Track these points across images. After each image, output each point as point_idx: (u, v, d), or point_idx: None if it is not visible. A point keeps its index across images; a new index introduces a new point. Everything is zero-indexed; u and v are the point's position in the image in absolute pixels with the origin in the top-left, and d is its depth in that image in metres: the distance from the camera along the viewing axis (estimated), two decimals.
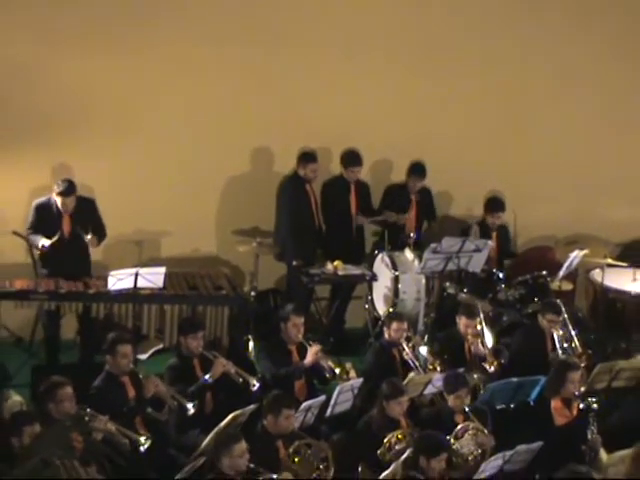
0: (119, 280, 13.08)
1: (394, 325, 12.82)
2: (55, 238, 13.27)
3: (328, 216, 15.33)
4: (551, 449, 11.15)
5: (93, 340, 13.69)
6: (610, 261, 15.35)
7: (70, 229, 13.57)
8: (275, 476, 10.05)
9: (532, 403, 12.27)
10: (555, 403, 11.87)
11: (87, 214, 13.71)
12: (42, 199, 13.53)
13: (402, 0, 15.45)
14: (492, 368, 12.87)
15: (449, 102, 15.81)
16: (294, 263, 14.62)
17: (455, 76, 15.79)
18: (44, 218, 13.50)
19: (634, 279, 15.04)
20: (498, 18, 15.91)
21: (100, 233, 13.78)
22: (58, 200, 13.36)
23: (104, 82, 14.21)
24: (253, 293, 14.74)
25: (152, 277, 13.20)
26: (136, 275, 13.05)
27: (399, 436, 10.96)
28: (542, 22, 16.09)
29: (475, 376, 12.59)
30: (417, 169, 15.32)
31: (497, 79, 15.98)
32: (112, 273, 13.14)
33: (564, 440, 11.52)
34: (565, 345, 13.23)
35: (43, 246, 13.28)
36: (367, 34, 15.24)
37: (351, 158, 15.00)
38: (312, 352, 12.25)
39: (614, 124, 16.37)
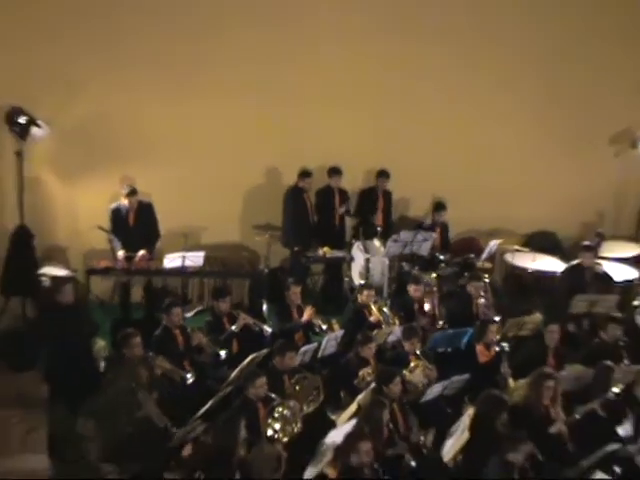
0: (171, 261, 13.61)
1: (365, 292, 13.28)
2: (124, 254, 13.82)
3: (320, 214, 15.57)
4: (476, 379, 11.60)
5: (153, 303, 14.03)
6: (517, 247, 15.79)
7: (135, 223, 14.10)
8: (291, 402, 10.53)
9: (463, 347, 12.66)
10: (479, 347, 12.36)
11: (146, 213, 14.24)
12: (114, 205, 14.01)
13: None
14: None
15: (404, 127, 15.75)
16: (295, 249, 15.02)
17: (410, 105, 15.80)
18: (117, 217, 13.98)
19: (533, 259, 15.43)
20: (452, 46, 15.86)
21: (156, 234, 14.37)
22: (125, 200, 13.91)
23: (161, 121, 14.51)
24: (266, 270, 15.16)
25: (194, 259, 13.76)
26: (183, 257, 13.64)
27: (369, 371, 11.46)
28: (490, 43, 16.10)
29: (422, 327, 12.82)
30: (383, 173, 15.62)
31: (444, 113, 16.02)
32: (167, 256, 13.70)
33: (485, 373, 12.06)
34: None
35: (119, 255, 13.81)
36: (344, 88, 15.35)
37: (334, 171, 15.33)
38: (307, 313, 12.80)
39: (523, 143, 16.61)
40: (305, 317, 12.80)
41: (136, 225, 14.13)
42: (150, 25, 14.21)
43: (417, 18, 15.56)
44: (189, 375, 11.32)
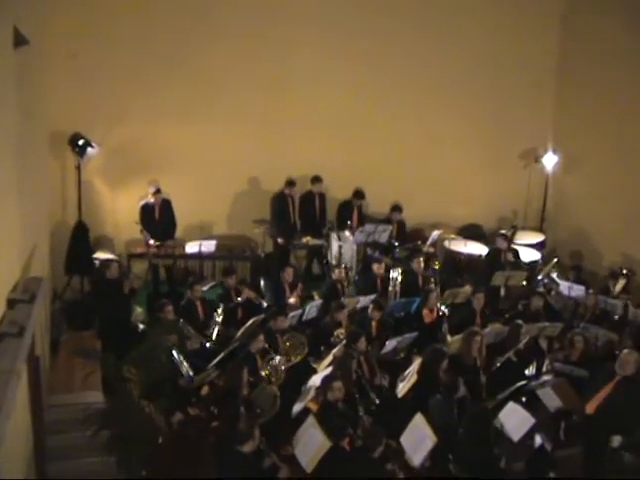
0: (191, 247, 13.78)
1: (337, 271, 13.52)
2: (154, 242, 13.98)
3: (304, 213, 15.58)
4: (422, 336, 11.83)
5: (176, 280, 14.27)
6: (453, 236, 16.07)
7: (160, 217, 14.24)
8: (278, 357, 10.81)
9: (413, 312, 12.85)
10: (425, 311, 12.57)
11: (167, 208, 14.35)
12: (142, 202, 14.20)
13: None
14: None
15: (372, 146, 15.83)
16: (279, 240, 15.12)
17: (375, 127, 15.87)
18: (146, 211, 14.13)
19: (465, 245, 15.60)
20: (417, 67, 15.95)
21: (174, 225, 14.45)
22: (152, 198, 14.07)
23: (181, 140, 14.57)
24: (262, 254, 15.15)
25: (208, 246, 13.90)
26: (200, 245, 13.77)
27: (342, 331, 11.62)
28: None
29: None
30: (359, 194, 15.59)
31: (402, 136, 16.11)
32: (187, 244, 13.86)
33: (429, 331, 12.26)
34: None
35: (149, 242, 13.92)
36: (323, 116, 15.37)
37: (315, 179, 15.35)
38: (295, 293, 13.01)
39: (457, 160, 16.64)
40: (294, 298, 12.93)
41: (161, 218, 14.25)
42: (173, 70, 14.37)
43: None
44: (207, 340, 11.53)
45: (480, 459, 9.11)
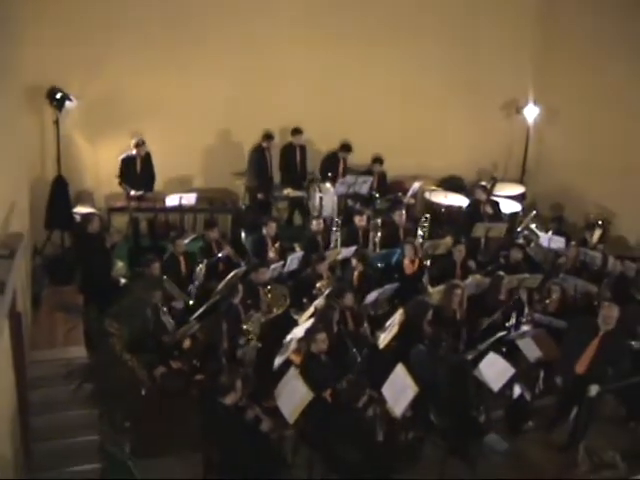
0: (171, 200, 13.58)
1: (315, 222, 13.43)
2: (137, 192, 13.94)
3: (285, 165, 15.49)
4: (403, 288, 11.89)
5: (157, 234, 14.24)
6: (433, 188, 16.14)
7: (141, 170, 14.14)
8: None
9: (393, 263, 12.88)
10: (406, 262, 12.62)
11: (148, 161, 14.21)
12: (124, 155, 14.01)
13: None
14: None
15: (353, 97, 15.65)
16: (259, 196, 15.05)
17: (357, 79, 15.70)
18: (127, 164, 13.98)
19: (445, 197, 15.60)
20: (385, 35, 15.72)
21: (154, 177, 14.34)
22: (134, 150, 13.96)
23: (162, 93, 14.30)
24: (243, 207, 15.15)
25: (189, 198, 13.72)
26: (180, 198, 13.60)
27: (324, 283, 11.65)
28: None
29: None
30: (346, 146, 15.49)
31: (384, 91, 15.96)
32: (168, 197, 13.67)
33: (410, 282, 12.32)
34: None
35: (131, 193, 13.88)
36: (303, 67, 15.20)
37: (295, 131, 15.26)
38: (275, 250, 12.85)
39: (437, 111, 16.56)
40: (271, 253, 12.82)
41: (142, 171, 14.14)
42: (152, 21, 14.10)
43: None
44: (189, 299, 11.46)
45: (459, 409, 9.23)
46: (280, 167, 15.51)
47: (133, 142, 13.98)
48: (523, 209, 15.78)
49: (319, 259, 12.00)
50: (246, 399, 8.65)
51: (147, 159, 14.20)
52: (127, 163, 14.02)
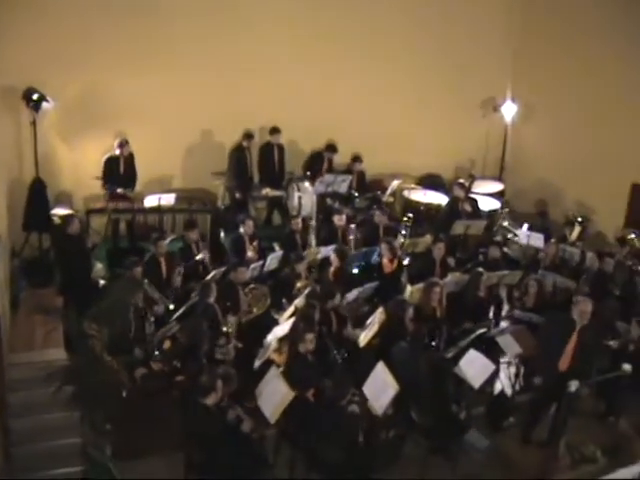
0: (150, 201, 13.49)
1: (294, 221, 13.38)
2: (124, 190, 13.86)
3: (263, 164, 15.44)
4: (382, 287, 11.90)
5: (136, 235, 14.09)
6: (412, 186, 16.18)
7: (125, 169, 14.04)
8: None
9: (373, 262, 12.87)
10: (384, 261, 12.57)
11: (131, 162, 14.13)
12: (108, 155, 13.92)
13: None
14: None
15: (328, 96, 15.64)
16: (237, 195, 15.04)
17: (338, 80, 15.76)
18: (110, 164, 13.88)
19: (424, 195, 15.63)
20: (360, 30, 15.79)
21: (134, 179, 14.22)
22: (117, 150, 13.87)
23: (139, 93, 14.18)
24: (222, 207, 15.13)
25: (168, 199, 13.61)
26: (159, 198, 13.50)
27: (302, 283, 11.62)
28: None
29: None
30: (332, 147, 15.57)
31: (363, 91, 16.04)
32: (146, 197, 13.60)
33: (389, 281, 12.33)
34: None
35: (117, 191, 13.81)
36: (283, 64, 15.19)
37: (274, 130, 15.19)
38: (254, 249, 12.82)
39: (416, 110, 16.60)
40: (253, 252, 12.77)
41: (125, 172, 14.05)
42: (131, 20, 13.98)
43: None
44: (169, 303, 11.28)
45: (440, 407, 9.25)
46: (258, 166, 15.47)
47: (116, 142, 13.91)
48: (502, 206, 15.84)
49: (297, 259, 11.99)
50: (227, 399, 8.63)
51: (130, 159, 14.12)
52: (110, 163, 13.93)
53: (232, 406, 8.67)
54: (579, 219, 14.50)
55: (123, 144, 13.90)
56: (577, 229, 14.37)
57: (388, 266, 12.63)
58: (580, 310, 9.64)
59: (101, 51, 13.89)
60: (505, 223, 14.96)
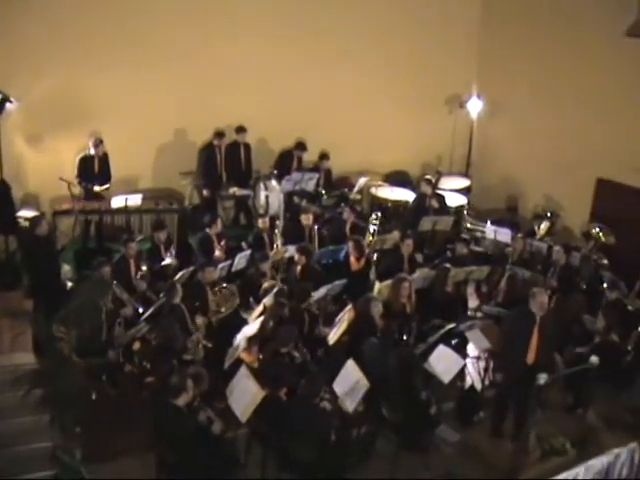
0: (117, 202, 13.39)
1: (261, 220, 13.29)
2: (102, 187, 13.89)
3: (230, 163, 15.34)
4: (351, 284, 11.92)
5: (104, 236, 13.93)
6: (380, 183, 16.20)
7: (100, 168, 13.98)
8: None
9: (341, 259, 12.84)
10: (352, 259, 12.62)
11: (106, 161, 14.08)
12: (82, 154, 13.87)
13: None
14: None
15: (294, 94, 15.52)
16: (205, 192, 15.04)
17: (308, 79, 15.69)
18: (85, 162, 13.83)
19: (391, 191, 15.78)
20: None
21: (109, 178, 14.15)
22: (92, 150, 13.80)
23: (103, 91, 14.11)
24: (190, 207, 15.08)
25: (134, 199, 13.52)
26: (126, 199, 13.40)
27: (269, 283, 11.57)
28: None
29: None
30: (301, 145, 15.60)
31: (332, 92, 16.01)
32: (113, 198, 13.52)
33: (357, 278, 12.37)
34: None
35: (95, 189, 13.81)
36: (250, 70, 15.18)
37: (240, 128, 15.17)
38: (221, 248, 12.80)
39: (383, 106, 16.57)
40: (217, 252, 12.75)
41: (100, 171, 14.00)
42: (97, 19, 13.89)
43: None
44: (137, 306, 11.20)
45: (410, 402, 9.29)
46: (225, 166, 15.36)
47: (91, 141, 13.83)
48: (469, 202, 15.98)
49: (262, 258, 12.02)
50: (198, 400, 8.62)
51: (105, 158, 14.07)
52: (85, 162, 13.87)
53: (203, 407, 8.65)
54: (548, 214, 14.63)
55: (98, 143, 13.82)
56: (546, 224, 14.52)
57: (355, 264, 12.68)
58: (538, 302, 9.66)
59: (70, 50, 13.78)
60: (468, 225, 15.06)
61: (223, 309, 11.28)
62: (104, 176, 14.08)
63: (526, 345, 9.63)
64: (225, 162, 15.37)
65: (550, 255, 13.35)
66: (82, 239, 14.01)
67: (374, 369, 9.31)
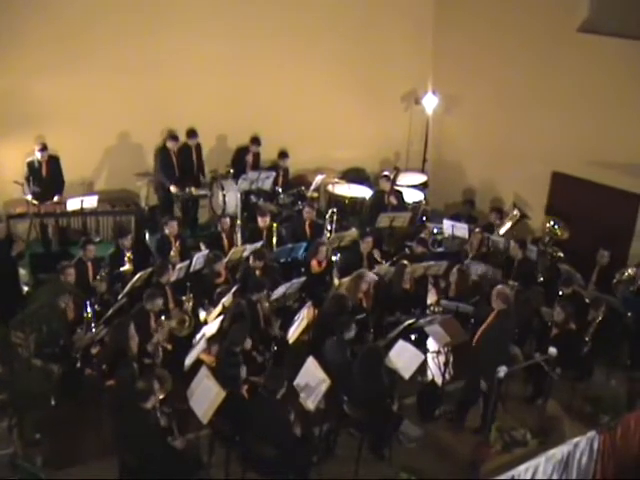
0: (72, 204, 13.40)
1: (223, 221, 13.30)
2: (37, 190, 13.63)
3: (181, 166, 15.14)
4: (311, 284, 12.04)
5: (62, 239, 13.99)
6: (336, 180, 16.24)
7: (47, 172, 13.84)
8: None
9: (300, 257, 12.98)
10: (313, 262, 12.68)
11: (55, 165, 13.96)
12: (29, 158, 13.73)
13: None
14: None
15: (249, 93, 15.46)
16: (173, 189, 14.76)
17: (262, 75, 15.63)
18: (32, 167, 13.72)
19: (348, 189, 15.81)
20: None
21: (62, 182, 14.05)
22: (38, 154, 13.66)
23: (57, 92, 13.98)
24: (146, 208, 15.08)
25: (90, 201, 13.56)
26: (81, 201, 13.42)
27: (223, 282, 11.73)
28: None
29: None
30: (256, 140, 15.54)
31: (284, 88, 15.92)
32: (68, 200, 13.49)
33: (318, 279, 12.47)
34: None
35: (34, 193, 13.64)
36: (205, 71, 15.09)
37: (190, 132, 15.10)
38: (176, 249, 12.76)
39: (337, 104, 16.62)
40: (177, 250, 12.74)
41: (48, 175, 13.85)
42: (50, 19, 13.74)
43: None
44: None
45: (372, 398, 9.34)
46: (178, 168, 15.17)
47: (36, 147, 13.72)
48: (425, 197, 16.11)
49: (215, 258, 12.00)
50: (159, 403, 8.61)
51: (53, 163, 13.95)
52: (32, 168, 13.79)
53: (164, 411, 8.65)
54: (515, 212, 14.71)
55: (42, 149, 13.68)
56: (509, 223, 14.66)
57: (315, 267, 12.70)
58: (495, 295, 10.00)
59: (18, 52, 13.60)
60: (430, 227, 15.13)
61: (183, 332, 11.01)
62: (54, 181, 13.95)
63: (507, 345, 9.96)
64: (177, 164, 15.16)
65: (507, 249, 13.44)
66: (44, 242, 13.98)
67: (335, 365, 9.39)
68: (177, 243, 12.83)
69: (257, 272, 11.97)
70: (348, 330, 10.00)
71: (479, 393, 9.99)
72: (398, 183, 15.75)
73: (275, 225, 13.51)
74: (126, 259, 12.16)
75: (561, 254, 13.79)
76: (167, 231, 12.86)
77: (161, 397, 8.58)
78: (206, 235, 14.18)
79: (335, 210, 14.19)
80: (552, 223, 14.11)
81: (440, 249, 14.45)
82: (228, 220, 13.40)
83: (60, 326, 10.00)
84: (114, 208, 14.34)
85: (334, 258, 12.70)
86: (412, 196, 15.84)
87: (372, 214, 14.44)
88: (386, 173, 15.21)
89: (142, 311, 10.52)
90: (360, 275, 11.39)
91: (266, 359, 10.28)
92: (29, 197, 13.62)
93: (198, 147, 15.39)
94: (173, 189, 14.81)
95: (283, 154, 15.60)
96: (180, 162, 15.17)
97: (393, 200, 14.73)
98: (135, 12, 14.45)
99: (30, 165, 13.76)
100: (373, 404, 9.33)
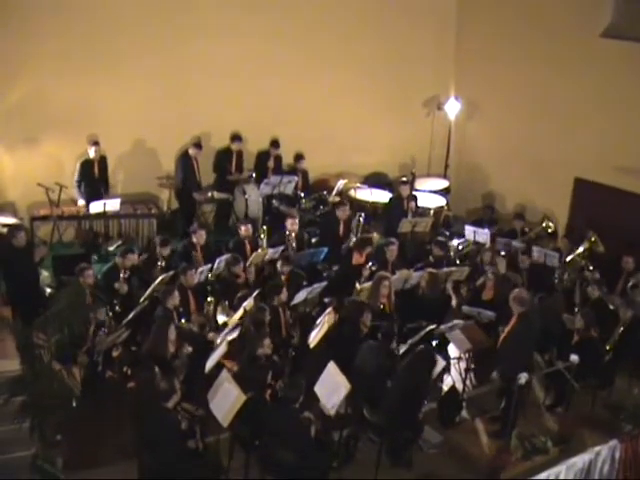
0: (95, 207, 13.54)
1: (243, 227, 13.12)
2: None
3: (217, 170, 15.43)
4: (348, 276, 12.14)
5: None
6: (358, 185, 16.12)
7: (99, 171, 14.08)
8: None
9: (320, 261, 13.02)
10: (356, 254, 12.64)
11: (104, 165, 14.24)
12: (83, 158, 13.99)
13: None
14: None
15: (271, 97, 15.49)
16: (195, 195, 14.83)
17: (284, 79, 15.61)
18: (85, 167, 13.97)
19: (370, 193, 15.67)
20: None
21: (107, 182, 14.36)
22: (92, 150, 13.92)
23: (82, 96, 14.00)
24: (169, 212, 15.12)
25: (113, 205, 13.67)
26: (104, 204, 13.52)
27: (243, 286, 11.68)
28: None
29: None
30: (275, 143, 15.56)
31: (309, 94, 15.98)
32: (91, 203, 13.60)
33: (356, 270, 12.36)
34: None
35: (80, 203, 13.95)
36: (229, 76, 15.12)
37: (235, 137, 15.25)
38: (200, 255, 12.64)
39: (360, 110, 16.62)
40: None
41: (100, 175, 14.11)
42: (70, 25, 13.78)
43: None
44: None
45: (407, 402, 9.23)
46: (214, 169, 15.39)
47: (89, 145, 13.98)
48: (448, 202, 16.08)
49: (233, 261, 11.93)
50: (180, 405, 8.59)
51: (103, 162, 14.19)
52: (85, 167, 13.98)
53: (184, 416, 8.69)
54: (547, 223, 14.67)
55: (95, 143, 13.97)
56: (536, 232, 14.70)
57: (359, 258, 12.59)
58: (516, 302, 9.95)
59: (42, 57, 13.61)
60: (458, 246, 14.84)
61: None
62: (104, 180, 14.23)
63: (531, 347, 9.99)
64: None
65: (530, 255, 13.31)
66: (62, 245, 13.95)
67: (369, 369, 9.41)
68: (201, 252, 12.67)
69: (282, 277, 11.85)
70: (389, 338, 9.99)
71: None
72: (417, 188, 15.64)
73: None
74: (121, 279, 11.64)
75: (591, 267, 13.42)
76: (195, 239, 12.69)
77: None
78: (228, 240, 14.02)
79: (363, 215, 14.15)
80: (593, 239, 13.73)
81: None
82: (250, 225, 13.25)
83: (81, 329, 9.97)
84: (136, 211, 14.34)
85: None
86: (434, 201, 15.79)
87: (390, 219, 14.40)
88: (404, 178, 15.09)
89: (166, 311, 10.51)
90: (380, 278, 11.29)
91: (285, 364, 10.21)
92: (81, 202, 13.86)
93: (239, 153, 15.45)
94: (197, 196, 14.83)
95: (299, 156, 15.58)
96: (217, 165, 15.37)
97: (413, 205, 14.67)
98: (157, 17, 14.48)
99: (84, 165, 13.95)
100: (405, 409, 9.21)
